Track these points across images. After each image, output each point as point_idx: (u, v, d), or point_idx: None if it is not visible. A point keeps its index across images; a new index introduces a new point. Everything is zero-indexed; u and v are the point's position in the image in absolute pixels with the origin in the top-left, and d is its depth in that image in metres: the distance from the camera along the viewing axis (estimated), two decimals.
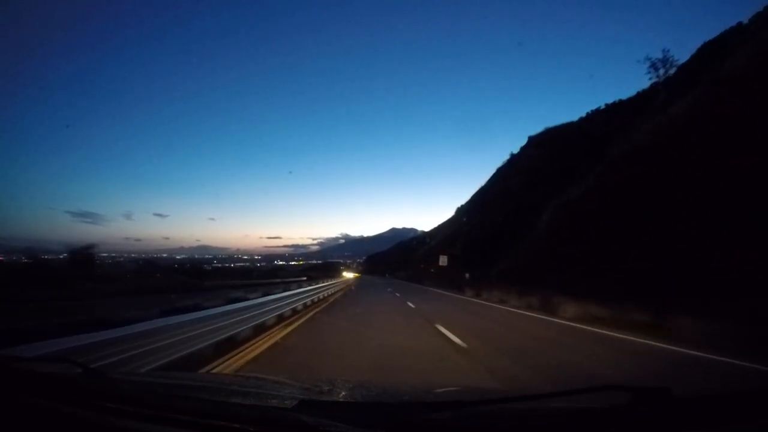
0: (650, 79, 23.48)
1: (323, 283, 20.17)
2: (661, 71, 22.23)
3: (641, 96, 32.14)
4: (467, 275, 24.63)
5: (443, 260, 31.80)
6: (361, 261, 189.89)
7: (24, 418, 1.01)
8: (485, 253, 29.06)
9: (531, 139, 48.46)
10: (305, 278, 34.31)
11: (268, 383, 1.66)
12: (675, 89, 20.54)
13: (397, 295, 19.80)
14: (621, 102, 38.43)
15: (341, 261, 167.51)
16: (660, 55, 22.00)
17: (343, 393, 1.48)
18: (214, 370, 4.25)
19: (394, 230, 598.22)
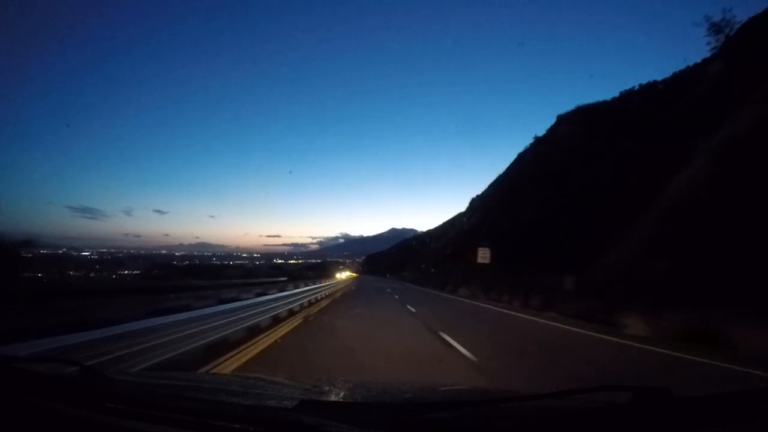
0: (708, 44, 20.56)
1: (298, 288, 13.69)
2: (721, 35, 19.42)
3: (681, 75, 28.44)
4: (569, 279, 14.17)
5: (484, 254, 22.16)
6: (361, 261, 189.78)
7: (22, 418, 1.00)
8: (536, 247, 22.96)
9: (560, 117, 44.34)
10: (285, 278, 23.45)
11: (268, 383, 1.65)
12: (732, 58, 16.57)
13: (464, 352, 5.73)
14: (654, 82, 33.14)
15: (340, 260, 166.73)
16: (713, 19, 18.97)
17: (343, 393, 1.48)
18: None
19: (393, 230, 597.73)
